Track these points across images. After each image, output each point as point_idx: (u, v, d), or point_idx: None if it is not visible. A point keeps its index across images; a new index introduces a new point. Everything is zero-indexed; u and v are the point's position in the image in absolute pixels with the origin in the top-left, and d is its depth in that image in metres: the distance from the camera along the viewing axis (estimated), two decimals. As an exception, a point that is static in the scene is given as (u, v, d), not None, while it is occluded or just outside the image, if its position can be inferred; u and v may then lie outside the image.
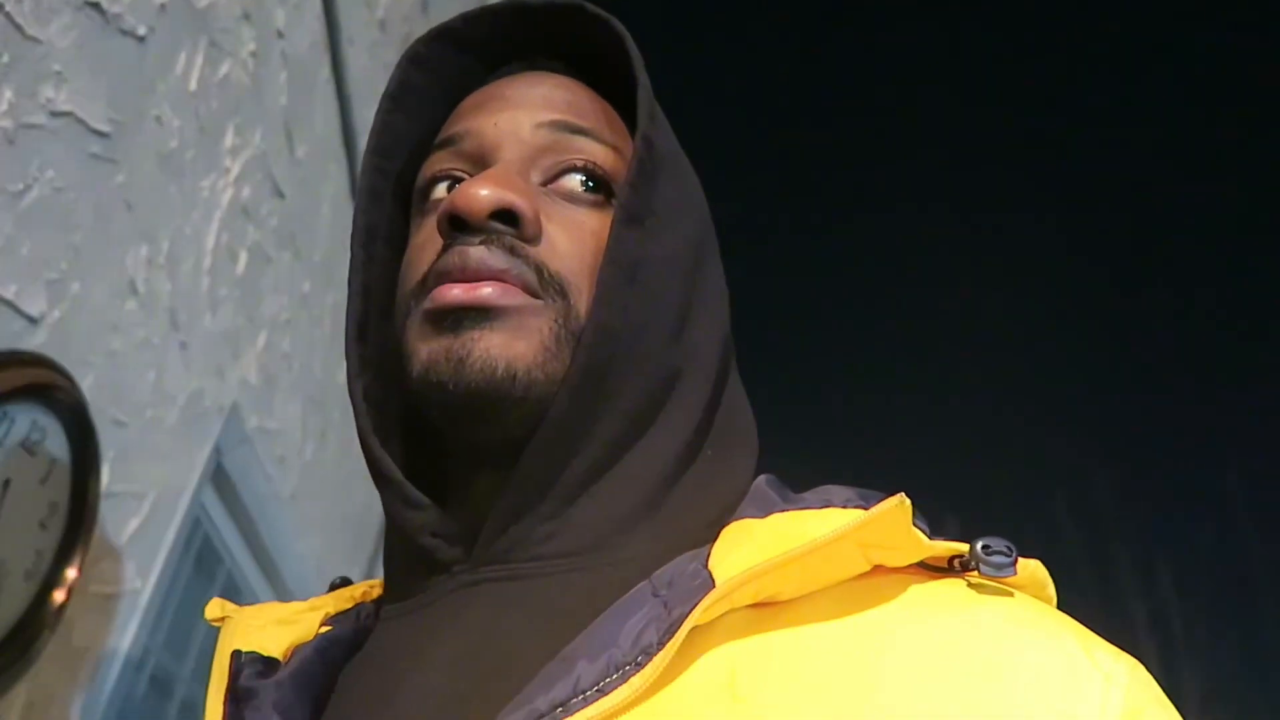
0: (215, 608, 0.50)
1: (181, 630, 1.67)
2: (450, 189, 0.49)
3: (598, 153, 0.48)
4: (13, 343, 0.99)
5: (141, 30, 1.20)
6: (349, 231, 0.53)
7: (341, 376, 2.35)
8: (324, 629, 0.49)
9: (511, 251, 0.43)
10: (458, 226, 0.44)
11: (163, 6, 1.25)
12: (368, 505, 2.57)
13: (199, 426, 1.48)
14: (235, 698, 0.43)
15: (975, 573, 0.39)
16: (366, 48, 2.14)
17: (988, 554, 0.38)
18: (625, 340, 0.43)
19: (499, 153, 0.47)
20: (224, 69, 1.45)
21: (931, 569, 0.40)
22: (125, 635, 1.33)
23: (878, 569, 0.39)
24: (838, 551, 0.37)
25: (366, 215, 0.52)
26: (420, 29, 2.58)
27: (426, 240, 0.47)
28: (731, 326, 0.53)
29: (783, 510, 0.42)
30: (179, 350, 1.38)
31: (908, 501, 0.37)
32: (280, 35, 1.66)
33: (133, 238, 1.22)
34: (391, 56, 2.34)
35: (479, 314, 0.42)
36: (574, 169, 0.47)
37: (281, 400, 1.81)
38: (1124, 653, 0.38)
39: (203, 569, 1.70)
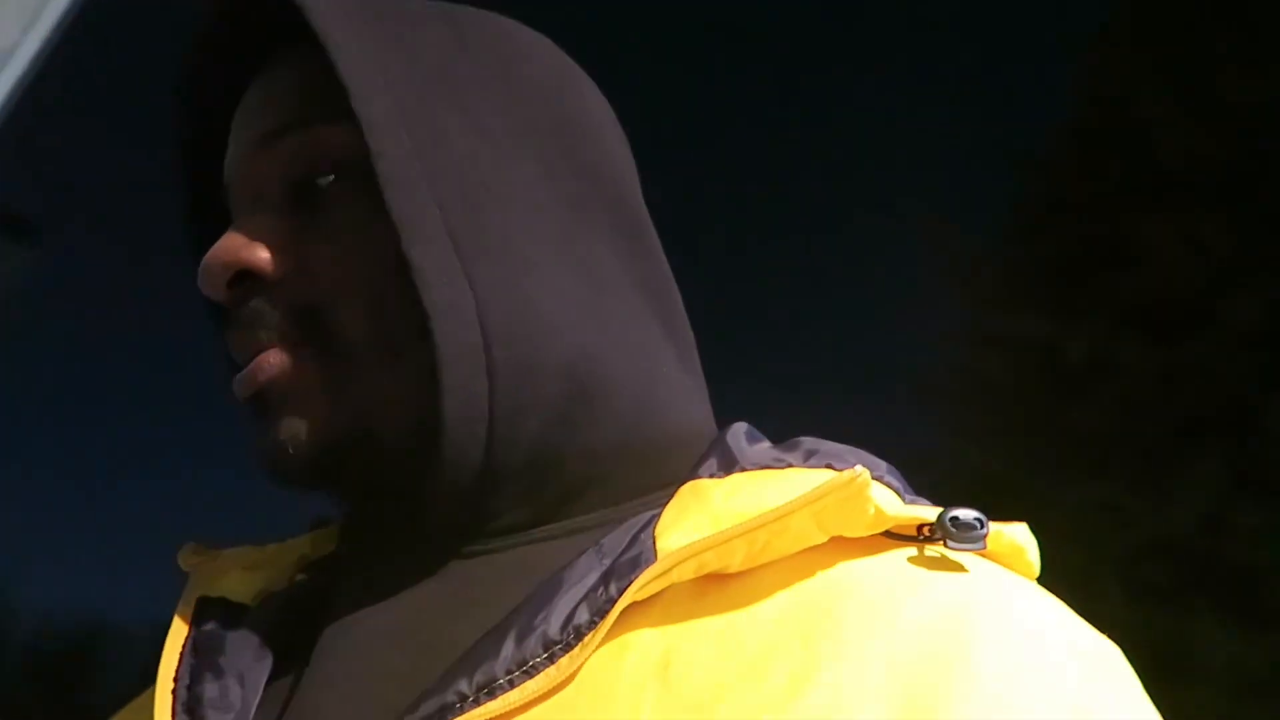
0: (189, 554, 0.45)
1: None
2: None
3: (320, 140, 0.40)
4: None
5: None
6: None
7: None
8: (300, 577, 0.45)
9: (259, 313, 0.40)
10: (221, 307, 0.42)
11: None
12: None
13: None
14: (195, 648, 0.40)
15: (941, 543, 0.36)
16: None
17: (955, 525, 0.35)
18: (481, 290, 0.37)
19: (238, 201, 0.42)
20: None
21: (897, 536, 0.37)
22: None
23: (835, 539, 0.36)
24: (788, 525, 0.34)
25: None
26: None
27: None
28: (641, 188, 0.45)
29: (742, 470, 0.39)
30: None
31: (864, 475, 0.33)
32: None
33: None
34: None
35: (262, 403, 0.40)
36: (306, 176, 0.41)
37: None
38: (1087, 640, 0.35)
39: None
